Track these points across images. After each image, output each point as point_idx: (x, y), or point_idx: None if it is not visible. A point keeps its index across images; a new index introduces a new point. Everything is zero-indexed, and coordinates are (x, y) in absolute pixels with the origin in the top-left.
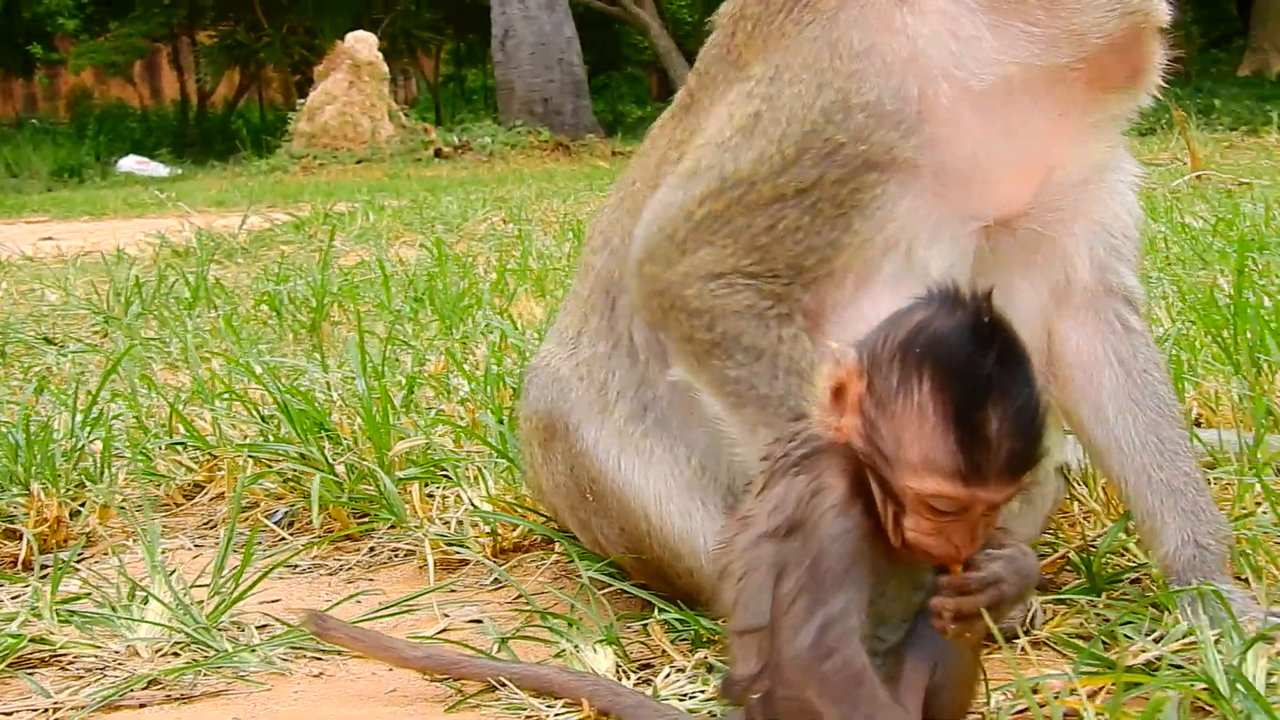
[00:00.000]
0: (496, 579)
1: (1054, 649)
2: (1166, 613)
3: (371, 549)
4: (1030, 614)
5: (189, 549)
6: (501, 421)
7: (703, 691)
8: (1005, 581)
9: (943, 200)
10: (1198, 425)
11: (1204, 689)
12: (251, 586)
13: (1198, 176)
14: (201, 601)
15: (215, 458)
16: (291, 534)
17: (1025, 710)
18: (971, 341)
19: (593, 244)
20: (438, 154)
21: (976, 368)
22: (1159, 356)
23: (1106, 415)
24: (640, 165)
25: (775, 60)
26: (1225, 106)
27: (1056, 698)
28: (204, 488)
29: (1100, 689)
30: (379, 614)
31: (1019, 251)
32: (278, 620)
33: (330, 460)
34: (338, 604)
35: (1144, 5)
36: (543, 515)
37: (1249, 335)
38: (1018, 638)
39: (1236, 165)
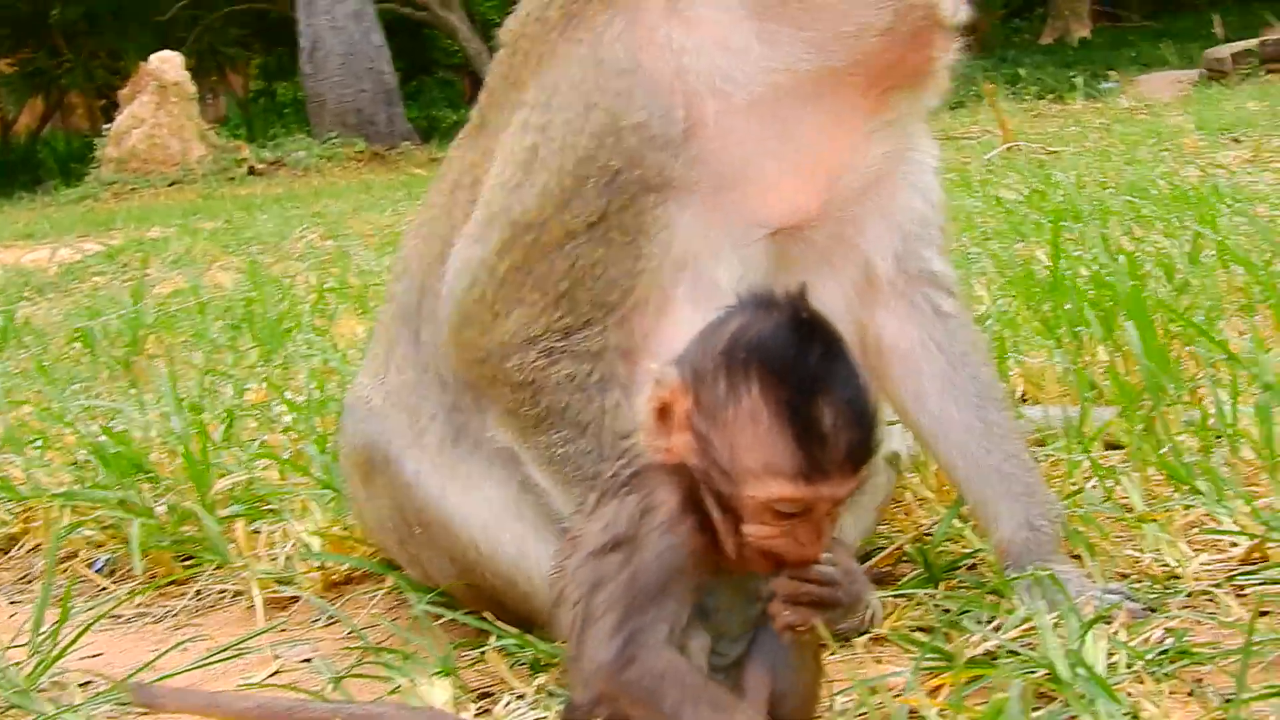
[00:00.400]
0: (329, 615)
1: (896, 644)
2: (1005, 599)
3: (198, 592)
4: (870, 611)
5: (5, 606)
6: (325, 451)
7: (544, 718)
8: (840, 585)
9: (722, 214)
10: (1024, 402)
11: (1045, 675)
12: (72, 643)
13: (1009, 148)
14: (19, 663)
15: (30, 508)
16: (114, 583)
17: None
18: (793, 339)
19: (396, 271)
20: (251, 171)
21: (802, 365)
22: (978, 338)
23: (930, 403)
24: (437, 189)
25: (548, 83)
26: (1031, 75)
27: (898, 696)
28: (19, 540)
29: (943, 684)
30: (208, 661)
31: (815, 254)
32: (101, 676)
33: (150, 503)
34: (163, 654)
35: (922, 2)
36: (372, 548)
37: (1068, 308)
38: (859, 635)
39: (1045, 134)
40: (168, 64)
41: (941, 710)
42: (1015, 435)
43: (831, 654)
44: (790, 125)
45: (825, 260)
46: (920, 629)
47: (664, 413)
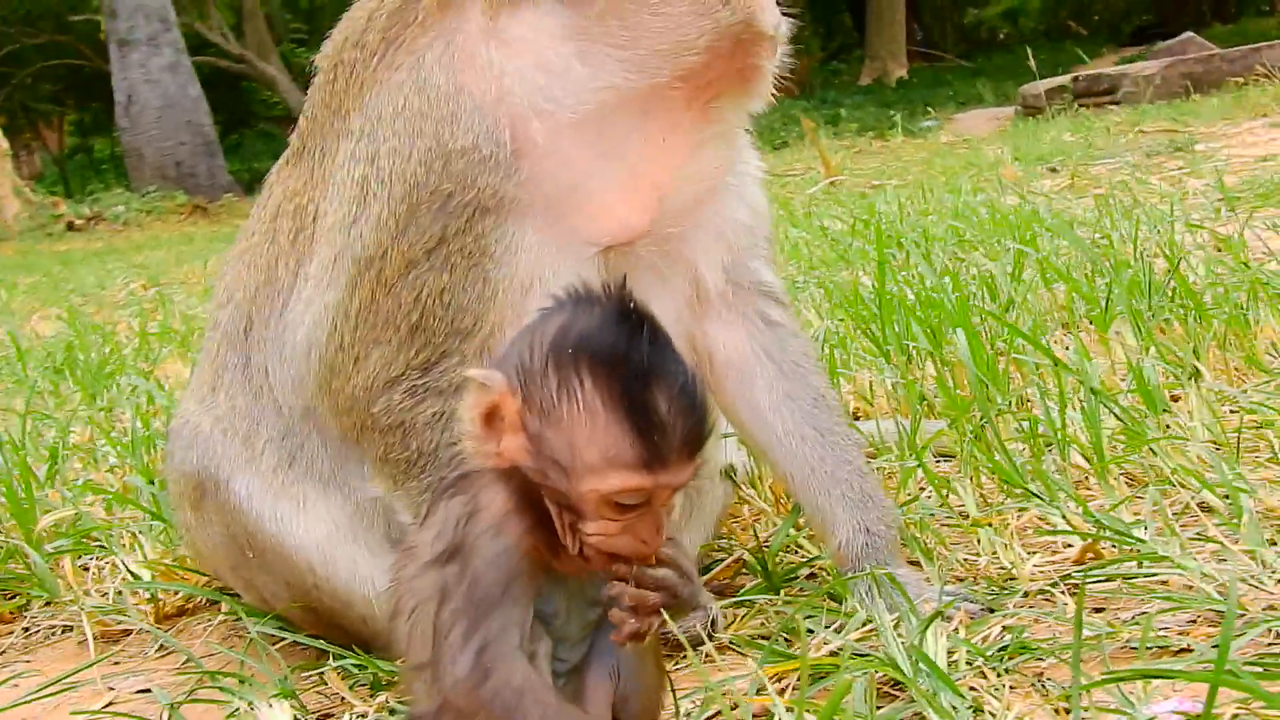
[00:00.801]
0: (163, 645)
1: (738, 651)
2: (844, 603)
3: (26, 629)
4: (710, 619)
5: None
6: (152, 482)
7: None
8: (677, 589)
9: (558, 232)
10: (856, 418)
11: (887, 676)
12: None
13: (831, 182)
14: None
15: None
16: None
17: (717, 713)
18: (620, 331)
19: (218, 299)
20: (70, 227)
21: (633, 355)
22: (809, 347)
23: (763, 413)
24: (257, 217)
25: (372, 112)
26: (851, 114)
27: (744, 698)
28: None
29: (788, 686)
30: (38, 695)
31: (647, 268)
32: None
33: None
34: None
35: (740, 14)
36: (205, 576)
37: (896, 327)
38: (701, 643)
39: (867, 168)
40: None
41: (789, 707)
42: (849, 443)
43: (676, 663)
44: (617, 142)
45: (657, 275)
46: (762, 636)
47: (490, 417)
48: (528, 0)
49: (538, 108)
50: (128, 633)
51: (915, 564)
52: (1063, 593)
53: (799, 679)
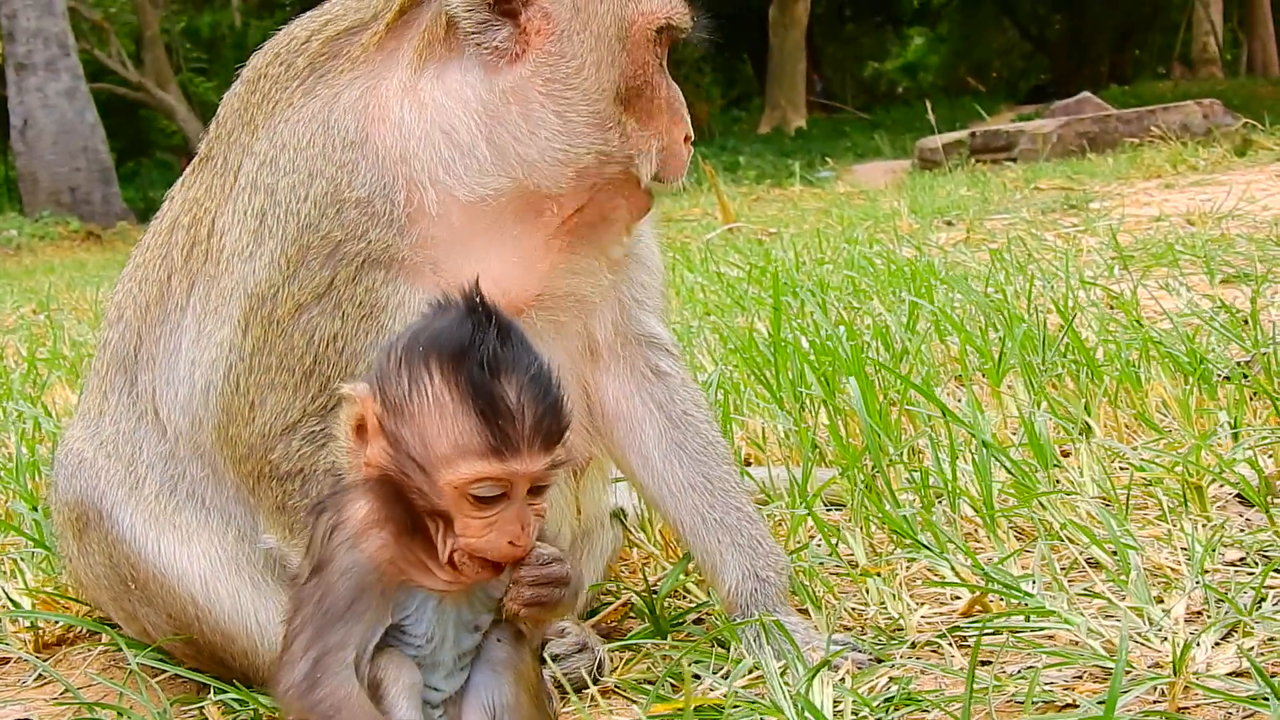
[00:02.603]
0: (41, 674)
1: (623, 695)
2: (732, 649)
3: None
4: (596, 662)
5: None
6: (35, 509)
7: None
8: (562, 563)
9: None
10: (748, 464)
11: None
12: None
13: (729, 228)
14: None
15: None
16: None
17: None
18: (468, 326)
19: (109, 317)
20: None
21: (479, 347)
22: (699, 396)
23: (653, 462)
24: (154, 231)
25: (278, 139)
26: (750, 162)
27: None
28: None
29: None
30: None
31: (541, 325)
32: None
33: None
34: None
35: (627, 148)
36: (86, 606)
37: (790, 374)
38: (586, 686)
39: (764, 216)
40: None
41: None
42: (739, 490)
43: (563, 706)
44: (504, 232)
45: (553, 329)
46: (648, 681)
47: (360, 428)
48: (454, 65)
49: (436, 178)
50: (5, 661)
51: (804, 612)
52: (950, 644)
53: None
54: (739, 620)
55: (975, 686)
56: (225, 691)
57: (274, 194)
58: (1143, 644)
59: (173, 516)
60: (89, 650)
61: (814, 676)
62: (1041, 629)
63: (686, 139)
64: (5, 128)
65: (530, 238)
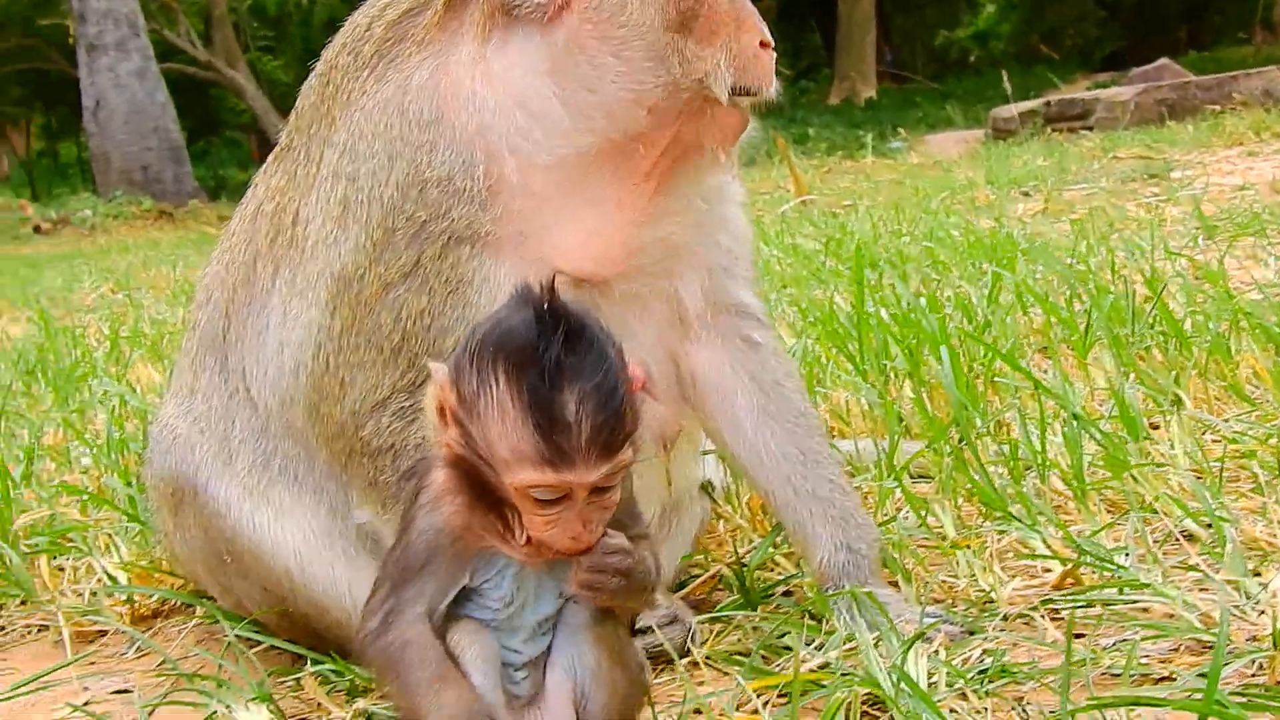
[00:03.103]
0: (139, 647)
1: (714, 667)
2: (824, 621)
3: (2, 628)
4: (688, 633)
5: None
6: (129, 484)
7: None
8: (631, 553)
9: (533, 268)
10: (832, 438)
11: (869, 695)
12: None
13: (803, 201)
14: None
15: None
16: None
17: None
18: (535, 331)
19: (198, 299)
20: (36, 230)
21: (544, 354)
22: (791, 367)
23: (745, 432)
24: (239, 216)
25: (355, 127)
26: (820, 134)
27: (732, 713)
28: None
29: (767, 703)
30: (14, 694)
31: (628, 298)
32: None
33: None
34: None
35: (692, 83)
36: (180, 579)
37: (874, 344)
38: (679, 659)
39: (837, 188)
40: None
41: None
42: (830, 461)
43: (657, 676)
44: (588, 190)
45: (641, 302)
46: (740, 653)
47: (441, 410)
48: (516, 31)
49: (514, 146)
50: (103, 633)
51: (895, 585)
52: (1042, 617)
53: (779, 695)
54: (829, 589)
55: (1071, 659)
56: (322, 663)
57: (355, 180)
58: (1240, 618)
59: (266, 491)
60: (184, 623)
61: (909, 648)
62: (1135, 602)
63: (763, 44)
64: (78, 109)
65: (620, 184)
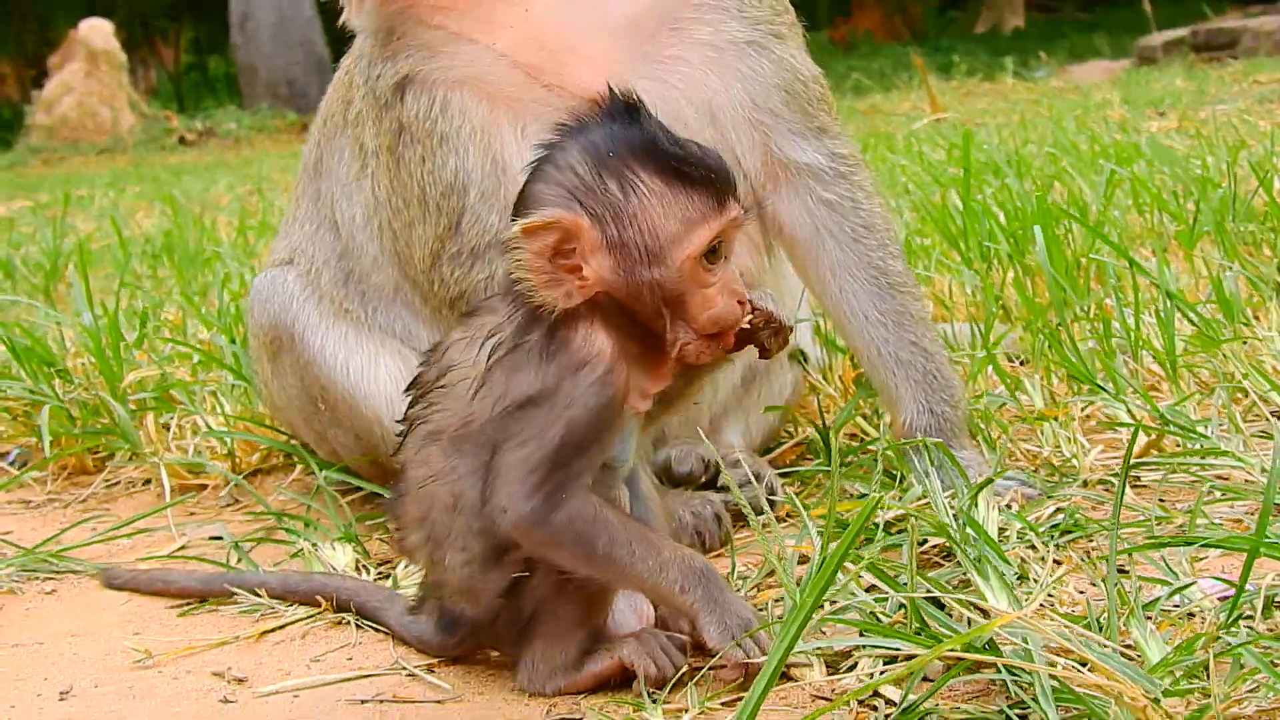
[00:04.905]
0: (236, 499)
1: (795, 524)
2: (902, 480)
3: (108, 480)
4: (767, 486)
5: None
6: (234, 342)
7: None
8: (773, 312)
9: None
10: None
11: (939, 540)
12: None
13: (937, 119)
14: None
15: None
16: (29, 477)
17: (771, 574)
18: (640, 127)
19: (308, 145)
20: (182, 141)
21: (651, 136)
22: (872, 219)
23: (829, 288)
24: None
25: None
26: (963, 61)
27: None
28: None
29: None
30: (112, 535)
31: None
32: (11, 544)
33: (61, 396)
34: (67, 529)
35: None
36: (281, 432)
37: (980, 236)
38: (760, 513)
39: (974, 109)
40: (96, 31)
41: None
42: (915, 321)
43: (738, 529)
44: None
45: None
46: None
47: (559, 253)
48: None
49: None
50: (204, 487)
51: (979, 450)
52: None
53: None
54: (908, 445)
55: (1143, 518)
56: None
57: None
58: None
59: (360, 338)
60: (282, 478)
61: (978, 493)
62: (1215, 468)
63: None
64: (225, 22)
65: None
